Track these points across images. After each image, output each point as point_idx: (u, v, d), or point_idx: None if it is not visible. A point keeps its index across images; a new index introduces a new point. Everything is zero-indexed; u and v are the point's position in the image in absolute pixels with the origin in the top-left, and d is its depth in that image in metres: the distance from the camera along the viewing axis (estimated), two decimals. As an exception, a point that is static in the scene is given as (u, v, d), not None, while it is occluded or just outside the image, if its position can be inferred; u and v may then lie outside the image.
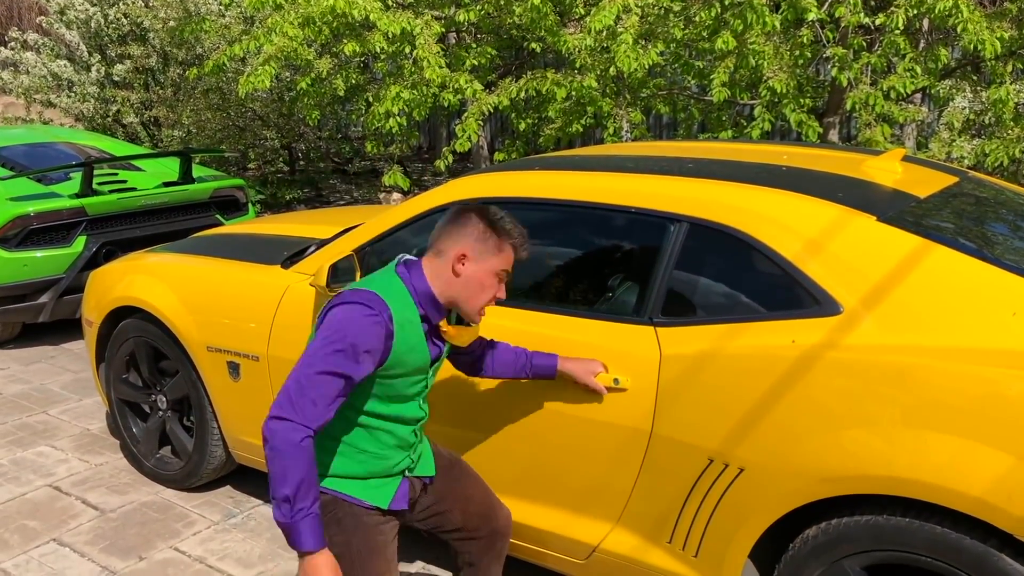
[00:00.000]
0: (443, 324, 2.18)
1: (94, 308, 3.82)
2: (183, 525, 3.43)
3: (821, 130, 5.59)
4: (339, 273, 2.82)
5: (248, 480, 3.78)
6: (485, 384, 2.65)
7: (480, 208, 2.16)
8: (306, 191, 10.28)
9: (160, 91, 10.05)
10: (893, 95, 5.44)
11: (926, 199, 2.59)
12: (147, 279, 3.61)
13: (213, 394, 3.40)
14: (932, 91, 5.64)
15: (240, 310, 3.24)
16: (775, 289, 2.31)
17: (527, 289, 2.74)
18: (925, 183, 2.76)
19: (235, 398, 3.32)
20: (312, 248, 3.35)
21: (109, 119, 10.28)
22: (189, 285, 3.45)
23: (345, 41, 6.54)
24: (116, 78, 10.10)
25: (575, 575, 2.65)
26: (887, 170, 2.82)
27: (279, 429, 1.90)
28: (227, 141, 9.60)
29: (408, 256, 2.22)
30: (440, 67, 6.20)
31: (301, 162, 11.09)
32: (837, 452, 2.07)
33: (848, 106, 5.46)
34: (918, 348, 2.05)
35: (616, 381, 2.41)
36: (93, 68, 10.14)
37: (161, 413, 3.71)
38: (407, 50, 6.49)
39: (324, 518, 2.13)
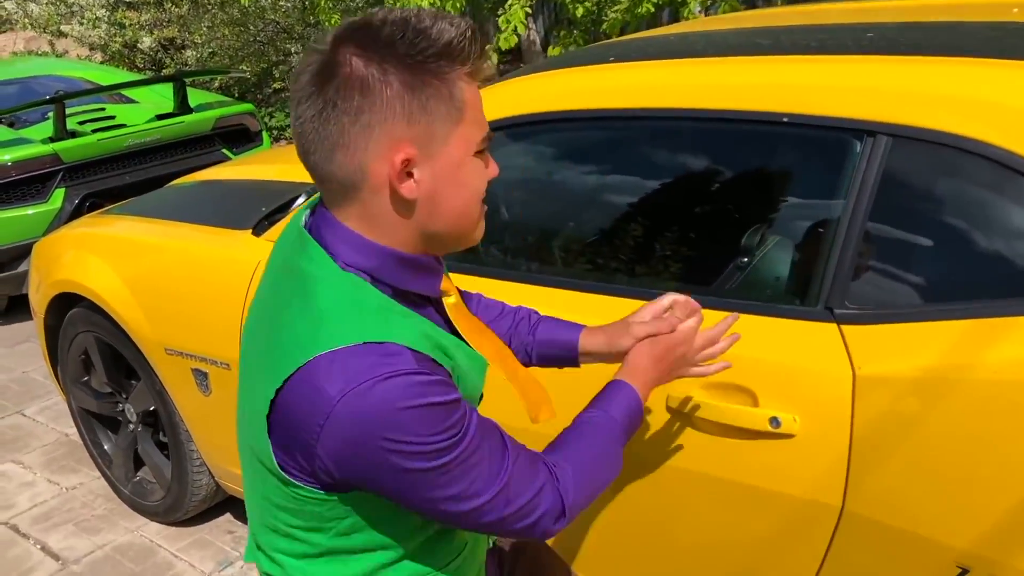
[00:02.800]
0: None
1: (35, 293, 2.93)
2: (164, 580, 2.58)
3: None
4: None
5: (252, 505, 2.90)
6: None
7: (351, 39, 0.95)
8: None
9: (175, 8, 9.03)
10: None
11: None
12: (89, 256, 2.68)
13: (183, 411, 2.49)
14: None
15: (199, 299, 2.30)
16: (1075, 253, 1.25)
17: (604, 259, 1.72)
18: None
19: (209, 417, 2.41)
20: (301, 198, 2.37)
21: (120, 45, 9.33)
22: (134, 263, 2.51)
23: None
24: (128, -1, 9.14)
25: None
26: None
27: (546, 515, 1.08)
28: (248, 59, 8.58)
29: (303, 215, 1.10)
30: (475, -56, 5.04)
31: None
32: None
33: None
34: None
35: (775, 421, 1.40)
36: (100, -12, 9.21)
37: (132, 427, 2.83)
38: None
39: None
